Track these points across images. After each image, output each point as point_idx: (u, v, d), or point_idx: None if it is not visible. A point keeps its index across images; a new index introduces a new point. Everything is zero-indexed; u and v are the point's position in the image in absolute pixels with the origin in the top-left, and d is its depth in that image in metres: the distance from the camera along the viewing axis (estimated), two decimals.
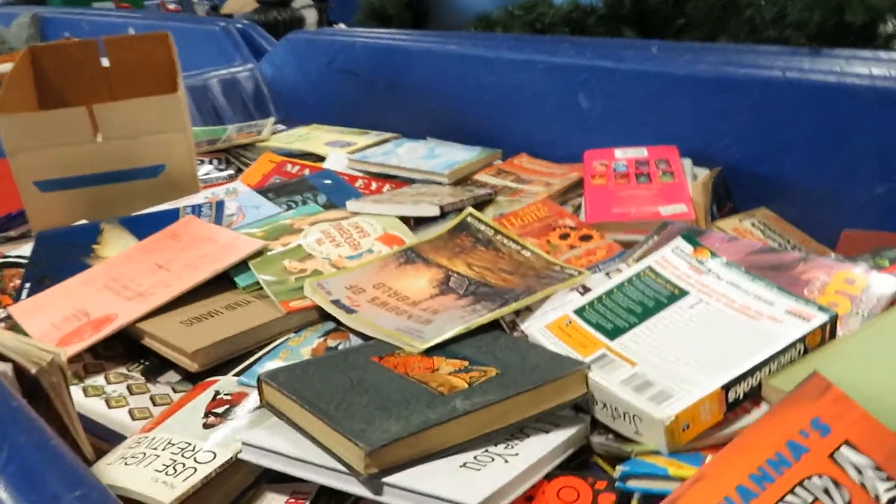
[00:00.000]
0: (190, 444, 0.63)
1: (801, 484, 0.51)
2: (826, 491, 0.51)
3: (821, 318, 0.67)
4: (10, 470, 0.46)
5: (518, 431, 0.62)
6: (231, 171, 1.42)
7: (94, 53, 1.43)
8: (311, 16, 2.94)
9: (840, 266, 0.77)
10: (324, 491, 0.60)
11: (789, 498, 0.50)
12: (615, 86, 1.23)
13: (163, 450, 0.63)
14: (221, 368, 0.77)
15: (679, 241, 0.80)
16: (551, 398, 0.63)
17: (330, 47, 1.67)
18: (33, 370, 0.60)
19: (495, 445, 0.60)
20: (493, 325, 0.76)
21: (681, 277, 0.76)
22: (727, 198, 1.12)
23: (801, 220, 1.04)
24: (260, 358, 0.76)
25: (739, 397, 0.62)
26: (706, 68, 1.15)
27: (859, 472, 0.52)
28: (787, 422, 0.54)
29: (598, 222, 1.00)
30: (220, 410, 0.68)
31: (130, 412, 0.74)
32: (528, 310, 0.78)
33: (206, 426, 0.66)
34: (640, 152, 1.14)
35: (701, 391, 0.60)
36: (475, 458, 0.58)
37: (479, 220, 0.96)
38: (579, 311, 0.74)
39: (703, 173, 1.10)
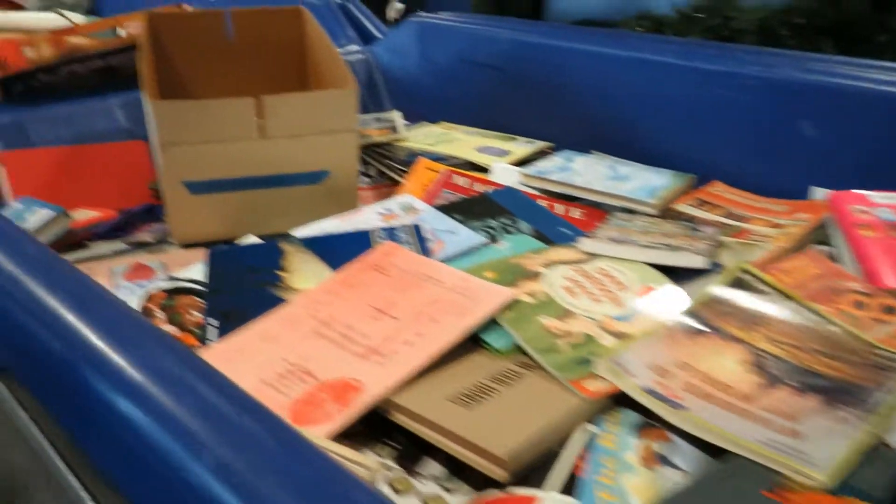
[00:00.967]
0: None
1: None
2: None
3: None
4: None
5: None
6: (372, 176, 1.24)
7: (219, 25, 1.24)
8: None
9: None
10: None
11: None
12: (850, 112, 1.07)
13: None
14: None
15: None
16: None
17: (467, 37, 1.49)
18: None
19: None
20: None
21: None
22: None
23: None
24: (569, 463, 0.60)
25: None
26: None
27: None
28: None
29: None
30: None
31: None
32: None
33: None
34: None
35: None
36: None
37: (759, 279, 0.80)
38: None
39: None
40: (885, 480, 0.55)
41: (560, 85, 1.36)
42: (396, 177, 1.22)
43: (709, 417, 0.61)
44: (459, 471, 0.62)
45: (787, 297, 0.78)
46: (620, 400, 0.66)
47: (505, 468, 0.57)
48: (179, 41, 1.23)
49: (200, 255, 0.94)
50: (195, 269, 0.85)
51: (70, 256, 0.96)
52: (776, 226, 1.02)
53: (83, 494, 0.55)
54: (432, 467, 0.64)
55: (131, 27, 1.27)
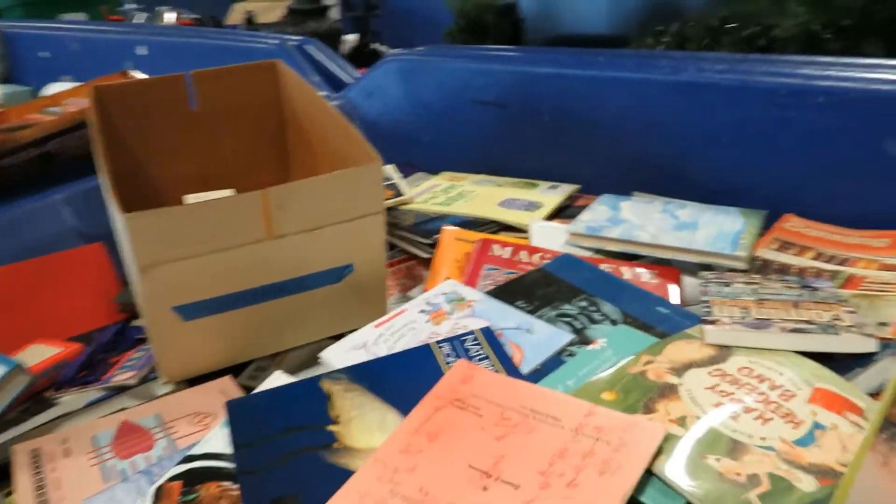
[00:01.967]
0: None
1: None
2: None
3: None
4: None
5: None
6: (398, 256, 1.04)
7: (179, 92, 1.03)
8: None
9: None
10: None
11: None
12: None
13: None
14: None
15: None
16: None
17: (459, 72, 1.30)
18: None
19: None
20: None
21: None
22: None
23: None
24: None
25: None
26: None
27: None
28: None
29: None
30: None
31: None
32: None
33: None
34: None
35: None
36: None
37: None
38: None
39: None
40: None
41: (584, 118, 1.19)
42: (416, 251, 1.02)
43: None
44: None
45: None
46: None
47: None
48: (134, 116, 1.01)
49: (203, 394, 0.73)
50: (213, 436, 0.63)
51: (35, 421, 0.73)
52: (888, 267, 0.86)
53: None
54: None
55: (70, 105, 1.04)
